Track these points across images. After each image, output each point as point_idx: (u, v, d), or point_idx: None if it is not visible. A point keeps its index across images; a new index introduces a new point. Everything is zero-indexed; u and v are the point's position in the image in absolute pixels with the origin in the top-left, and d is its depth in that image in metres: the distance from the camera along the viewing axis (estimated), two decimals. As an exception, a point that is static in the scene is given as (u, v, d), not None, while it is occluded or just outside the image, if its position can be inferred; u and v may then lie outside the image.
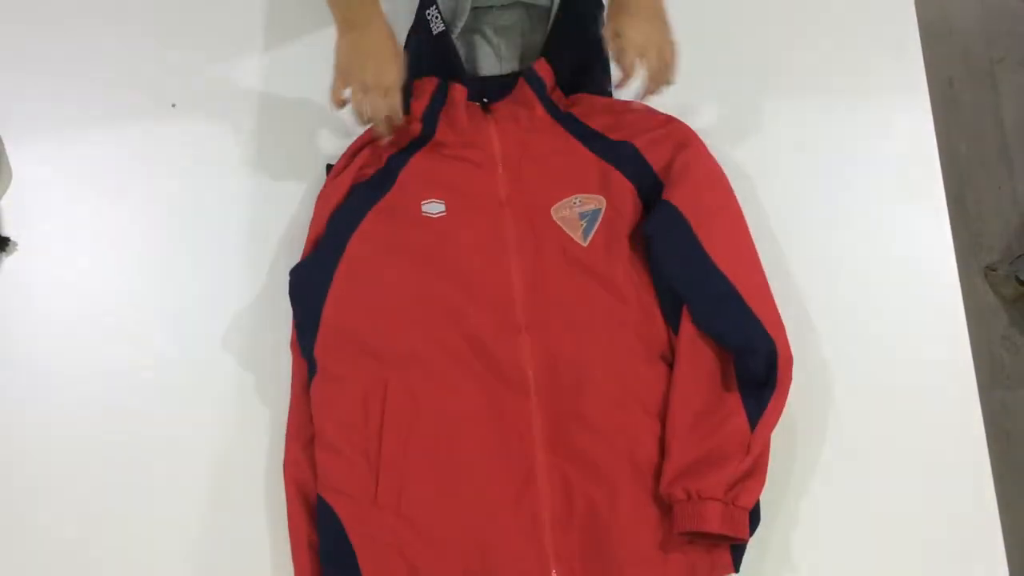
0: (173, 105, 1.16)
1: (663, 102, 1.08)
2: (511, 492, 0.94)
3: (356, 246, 1.02)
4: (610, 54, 1.03)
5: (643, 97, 1.03)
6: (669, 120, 1.08)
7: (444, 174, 1.06)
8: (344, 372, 0.98)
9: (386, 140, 1.07)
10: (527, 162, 1.06)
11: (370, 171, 1.06)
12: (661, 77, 1.02)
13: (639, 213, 1.04)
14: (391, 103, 1.01)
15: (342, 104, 1.02)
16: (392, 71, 1.00)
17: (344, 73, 1.00)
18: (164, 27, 1.19)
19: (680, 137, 1.06)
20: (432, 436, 0.96)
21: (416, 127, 1.08)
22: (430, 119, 1.08)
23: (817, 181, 1.11)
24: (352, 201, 1.05)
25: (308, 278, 1.02)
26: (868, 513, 0.98)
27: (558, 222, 1.04)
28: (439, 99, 1.08)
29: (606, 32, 1.03)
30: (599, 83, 1.12)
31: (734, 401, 0.94)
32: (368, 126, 1.06)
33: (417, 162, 1.06)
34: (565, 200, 1.05)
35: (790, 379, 0.94)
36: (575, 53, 1.10)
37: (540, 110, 1.08)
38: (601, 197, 1.04)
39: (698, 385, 0.95)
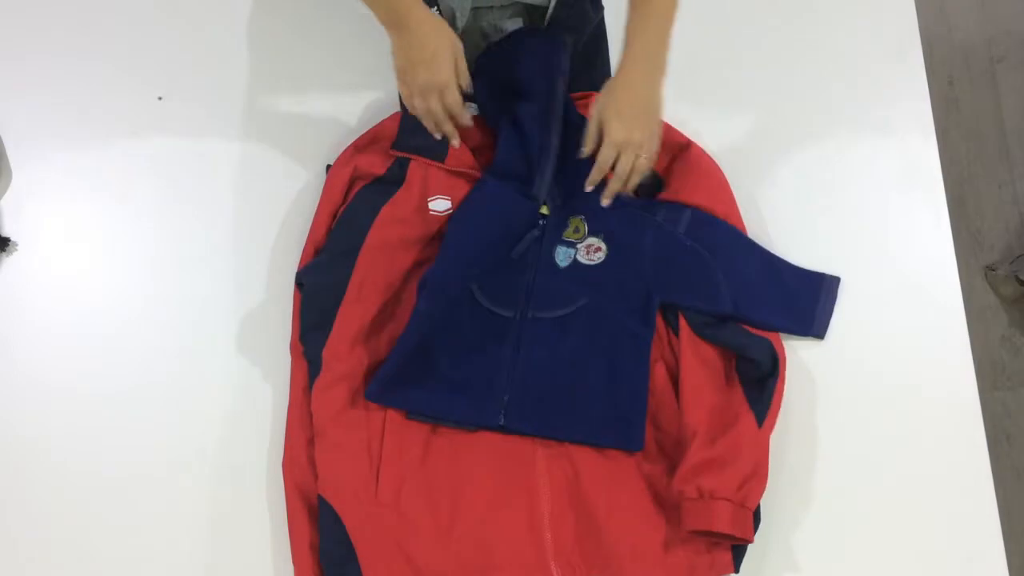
0: (160, 98, 1.15)
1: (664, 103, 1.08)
2: (511, 489, 0.95)
3: (370, 247, 1.02)
4: (585, 135, 0.97)
5: (606, 196, 0.99)
6: (668, 125, 1.08)
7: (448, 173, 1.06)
8: (350, 371, 0.98)
9: (457, 142, 1.01)
10: None
11: (375, 171, 1.06)
12: (628, 182, 0.96)
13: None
14: (450, 102, 0.95)
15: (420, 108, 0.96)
16: (443, 69, 0.93)
17: (401, 78, 0.95)
18: (163, 24, 1.19)
19: (680, 140, 1.06)
20: (432, 433, 0.97)
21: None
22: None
23: (817, 181, 1.11)
24: (360, 202, 1.04)
25: (324, 280, 1.01)
26: (868, 514, 0.98)
27: None
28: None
29: (591, 112, 0.96)
30: (598, 78, 1.11)
31: (739, 399, 0.95)
32: (438, 133, 1.01)
33: (423, 162, 1.06)
34: None
35: (784, 378, 0.95)
36: (572, 49, 1.10)
37: None
38: None
39: (708, 382, 0.96)
